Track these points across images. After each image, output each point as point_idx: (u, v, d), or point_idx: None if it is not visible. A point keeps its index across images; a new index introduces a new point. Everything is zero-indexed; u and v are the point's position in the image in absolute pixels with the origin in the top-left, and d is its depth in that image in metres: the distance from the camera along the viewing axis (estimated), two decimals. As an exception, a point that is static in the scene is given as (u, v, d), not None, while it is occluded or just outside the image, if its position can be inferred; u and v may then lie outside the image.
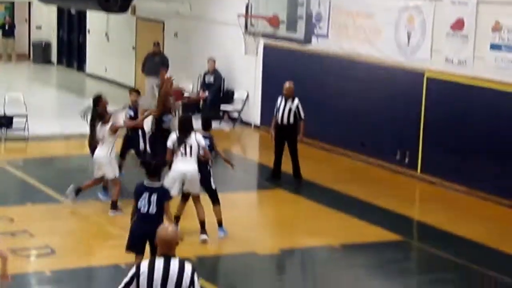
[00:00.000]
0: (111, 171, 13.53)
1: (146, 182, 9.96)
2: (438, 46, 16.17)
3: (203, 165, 12.20)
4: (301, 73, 18.98)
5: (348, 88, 18.09)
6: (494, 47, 15.06)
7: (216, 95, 21.63)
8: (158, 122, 14.89)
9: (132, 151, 15.45)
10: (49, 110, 22.55)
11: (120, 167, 14.94)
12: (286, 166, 15.99)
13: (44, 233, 12.51)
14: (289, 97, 15.74)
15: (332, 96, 18.49)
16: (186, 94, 15.82)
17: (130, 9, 23.79)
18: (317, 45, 18.96)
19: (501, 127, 14.90)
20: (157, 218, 9.66)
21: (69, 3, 26.68)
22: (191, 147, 11.99)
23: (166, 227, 6.63)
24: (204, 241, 12.24)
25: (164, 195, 9.93)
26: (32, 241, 12.25)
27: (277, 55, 20.19)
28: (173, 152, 12.05)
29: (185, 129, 12.06)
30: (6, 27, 30.84)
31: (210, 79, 21.70)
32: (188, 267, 6.54)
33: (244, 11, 19.30)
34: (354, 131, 17.97)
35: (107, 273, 11.18)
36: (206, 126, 12.97)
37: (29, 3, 31.69)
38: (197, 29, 23.12)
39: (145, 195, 9.82)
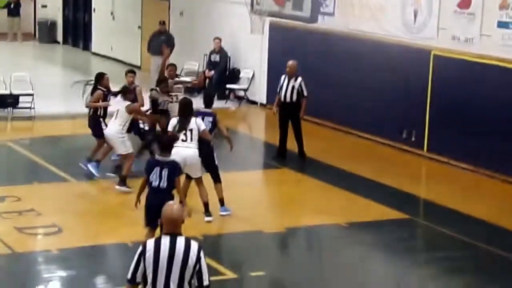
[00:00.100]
0: (122, 146, 13.50)
1: (158, 157, 10.21)
2: (445, 24, 16.10)
3: (205, 143, 12.20)
4: (307, 51, 18.93)
5: (354, 66, 18.04)
6: (501, 24, 14.99)
7: (221, 74, 21.60)
8: (154, 104, 14.78)
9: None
10: (55, 89, 22.52)
11: None
12: (292, 144, 15.99)
13: (51, 212, 12.54)
14: (292, 75, 15.73)
15: (338, 74, 18.44)
16: (187, 79, 15.75)
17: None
18: (323, 23, 18.90)
19: (508, 104, 14.85)
20: (168, 192, 9.98)
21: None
22: (191, 132, 11.98)
23: (171, 206, 6.63)
24: (208, 222, 12.25)
25: (175, 170, 10.16)
26: (39, 219, 12.29)
27: (283, 33, 20.14)
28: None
29: (186, 113, 12.05)
30: (12, 6, 30.77)
31: (216, 58, 21.66)
32: (194, 245, 6.55)
33: (250, -10, 19.23)
34: (360, 110, 17.94)
35: (114, 251, 11.22)
36: (209, 103, 12.94)
37: (35, -18, 31.64)
38: (203, 7, 23.05)
39: (157, 169, 10.07)
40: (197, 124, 12.06)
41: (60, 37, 30.94)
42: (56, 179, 14.23)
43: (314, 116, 18.33)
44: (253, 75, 21.22)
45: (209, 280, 6.59)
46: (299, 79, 15.72)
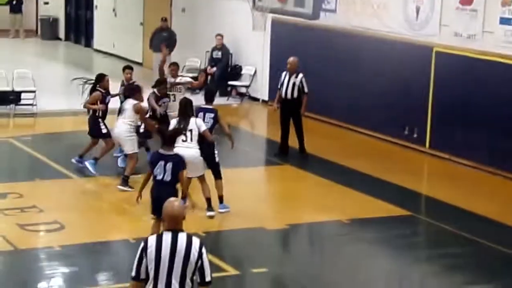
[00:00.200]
0: (130, 145, 13.51)
1: (161, 150, 10.33)
2: (447, 20, 16.09)
3: (205, 142, 12.19)
4: (309, 48, 18.92)
5: (356, 63, 18.03)
6: (503, 21, 14.98)
7: (223, 71, 21.60)
8: (152, 110, 14.73)
9: None
10: (57, 86, 22.53)
11: None
12: (294, 141, 15.98)
13: (53, 209, 12.55)
14: (293, 71, 15.73)
15: (340, 71, 18.43)
16: (188, 79, 15.69)
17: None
18: (325, 20, 18.89)
19: (510, 101, 14.83)
20: (172, 186, 10.19)
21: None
22: (191, 132, 11.99)
23: (172, 202, 6.63)
24: (211, 217, 12.27)
25: (178, 163, 10.30)
26: (41, 216, 12.29)
27: (285, 30, 20.12)
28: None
29: (186, 113, 12.06)
30: (14, 3, 30.78)
31: (217, 54, 21.66)
32: (196, 241, 6.55)
33: (252, -14, 19.23)
34: (362, 106, 17.93)
35: (116, 247, 11.22)
36: (210, 99, 12.93)
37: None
38: (205, 4, 23.04)
39: (161, 163, 10.23)
40: (197, 124, 12.06)
41: (62, 34, 30.95)
42: (58, 176, 14.24)
43: (316, 113, 18.33)
44: (255, 72, 21.22)
45: (211, 276, 6.59)
46: (300, 75, 15.72)
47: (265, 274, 10.60)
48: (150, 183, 10.53)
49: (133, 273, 6.54)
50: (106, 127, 14.13)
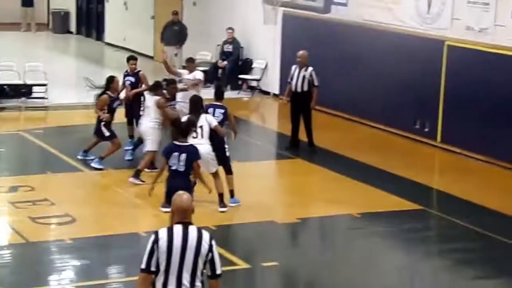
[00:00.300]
0: (150, 144, 13.58)
1: (176, 141, 10.64)
2: (459, 14, 16.02)
3: (216, 139, 12.20)
4: (320, 42, 18.88)
5: (368, 57, 17.99)
6: (515, 15, 14.91)
7: (234, 65, 21.59)
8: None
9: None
10: (69, 79, 22.57)
11: (132, 136, 15.09)
12: (305, 135, 15.95)
13: (64, 202, 12.57)
14: (303, 65, 15.71)
15: (351, 65, 18.39)
16: (190, 77, 15.60)
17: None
18: (336, 14, 18.85)
19: (522, 96, 14.79)
20: (186, 176, 10.57)
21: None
22: (202, 128, 12.00)
23: (181, 195, 6.63)
24: (222, 212, 12.27)
25: (192, 154, 10.62)
26: (52, 209, 12.32)
27: (296, 24, 20.09)
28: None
29: (196, 110, 12.08)
30: (25, -4, 30.86)
31: (228, 48, 21.65)
32: (206, 234, 6.56)
33: (263, -20, 19.20)
34: (374, 100, 17.89)
35: (126, 241, 11.24)
36: (220, 96, 12.93)
37: (48, -28, 31.68)
38: (216, -2, 23.04)
39: (175, 154, 10.58)
40: (207, 120, 12.08)
41: (73, 27, 30.97)
42: (70, 169, 14.27)
43: (327, 107, 18.31)
44: (266, 66, 21.19)
45: (221, 270, 6.59)
46: (310, 68, 15.69)
47: (276, 268, 10.60)
48: (164, 177, 10.62)
49: (143, 265, 6.51)
50: (108, 130, 14.16)
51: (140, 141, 14.51)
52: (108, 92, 14.25)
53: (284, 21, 20.40)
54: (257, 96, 21.17)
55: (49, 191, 13.01)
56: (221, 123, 12.44)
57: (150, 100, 13.73)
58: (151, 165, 13.55)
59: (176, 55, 22.11)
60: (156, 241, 6.49)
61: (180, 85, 14.89)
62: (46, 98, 19.11)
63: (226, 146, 12.49)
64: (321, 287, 10.33)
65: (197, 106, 12.19)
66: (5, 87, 19.03)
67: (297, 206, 13.16)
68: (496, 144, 15.28)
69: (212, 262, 6.54)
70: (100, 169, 14.03)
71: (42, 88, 19.22)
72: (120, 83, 14.95)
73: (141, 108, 15.07)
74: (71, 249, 10.89)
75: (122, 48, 26.78)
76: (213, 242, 6.56)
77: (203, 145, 11.89)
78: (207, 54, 22.61)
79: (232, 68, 21.48)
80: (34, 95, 19.24)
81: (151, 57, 25.34)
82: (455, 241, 11.80)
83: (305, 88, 15.68)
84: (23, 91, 19.18)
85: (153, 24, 25.63)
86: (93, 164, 14.11)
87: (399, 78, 17.24)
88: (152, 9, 25.94)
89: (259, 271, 10.58)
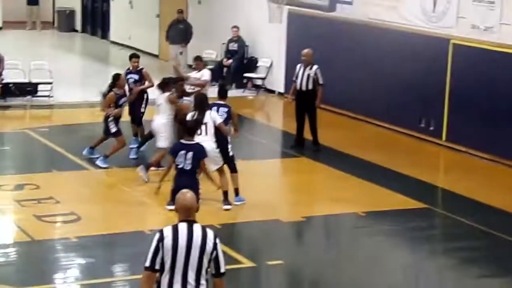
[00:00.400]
0: (162, 141, 13.61)
1: (183, 140, 10.71)
2: (464, 12, 16.00)
3: (220, 137, 12.21)
4: (325, 40, 18.87)
5: (373, 55, 17.98)
6: (521, 13, 14.89)
7: (239, 63, 21.59)
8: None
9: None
10: (74, 78, 22.60)
11: (136, 134, 15.11)
12: (310, 134, 15.94)
13: (70, 200, 12.59)
14: (307, 63, 15.71)
15: (356, 63, 18.38)
16: (198, 76, 15.57)
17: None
18: (341, 12, 18.83)
19: (528, 94, 14.77)
20: (192, 174, 10.64)
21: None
22: (206, 125, 12.01)
23: (185, 194, 6.63)
24: (227, 210, 12.27)
25: (199, 152, 10.69)
26: (58, 207, 12.34)
27: (301, 22, 20.08)
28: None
29: (202, 108, 12.09)
30: (31, -5, 30.90)
31: (233, 46, 21.66)
32: (210, 233, 6.57)
33: (268, -22, 19.19)
34: (379, 99, 17.88)
35: (132, 239, 11.25)
36: (223, 95, 12.93)
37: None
38: (221, -4, 23.04)
39: (182, 152, 10.65)
40: (212, 117, 12.09)
41: (78, 26, 31.01)
42: (75, 168, 14.28)
43: (332, 105, 18.31)
44: (271, 64, 21.19)
45: (225, 268, 6.61)
46: (315, 67, 15.69)
47: (281, 267, 10.60)
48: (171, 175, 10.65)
49: (148, 263, 6.51)
50: (116, 126, 14.17)
51: (145, 140, 14.52)
52: (114, 89, 14.27)
53: (289, 19, 20.39)
54: (262, 94, 21.17)
55: (54, 189, 13.03)
56: (225, 122, 12.44)
57: (161, 98, 13.77)
58: (158, 164, 13.56)
59: (181, 53, 22.13)
60: (161, 239, 6.49)
61: (187, 87, 14.85)
62: (52, 97, 19.14)
63: (229, 145, 12.49)
64: (326, 285, 10.34)
65: (202, 104, 12.19)
66: (10, 85, 19.06)
67: (302, 204, 13.16)
68: (501, 142, 15.26)
69: (216, 260, 6.56)
70: (105, 168, 14.06)
71: (47, 87, 19.24)
72: None
73: (142, 105, 15.13)
74: (76, 247, 10.91)
75: (127, 46, 26.81)
76: (218, 240, 6.57)
77: (208, 142, 11.90)
78: (212, 52, 22.62)
79: (237, 67, 21.48)
80: (39, 93, 19.27)
81: (156, 56, 25.37)
82: (460, 239, 11.79)
83: (310, 87, 15.68)
84: (28, 89, 19.21)
85: (158, 23, 25.66)
86: (98, 163, 14.13)
87: (404, 77, 17.23)
88: (157, 7, 25.96)
89: (264, 269, 10.58)
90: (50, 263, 10.50)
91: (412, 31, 17.05)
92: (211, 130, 12.05)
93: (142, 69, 15.39)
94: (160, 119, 13.71)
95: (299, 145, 15.99)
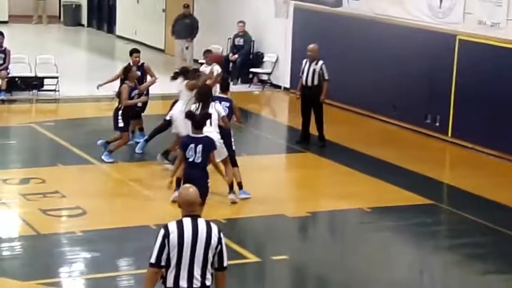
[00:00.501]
0: (184, 127, 13.51)
1: (192, 133, 10.68)
2: (471, 8, 15.97)
3: (222, 131, 12.21)
4: (332, 36, 18.85)
5: (379, 51, 17.95)
6: (528, 9, 14.86)
7: (245, 58, 21.58)
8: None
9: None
10: (80, 72, 22.62)
11: (141, 128, 15.11)
12: (316, 129, 15.93)
13: (75, 194, 12.60)
14: (313, 58, 15.69)
15: (362, 59, 18.36)
16: (207, 70, 15.53)
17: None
18: (348, 7, 18.81)
19: (534, 90, 14.74)
20: (202, 167, 10.58)
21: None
22: (210, 117, 11.99)
23: (187, 188, 6.63)
24: (232, 201, 12.29)
25: (208, 144, 10.67)
26: (63, 201, 12.35)
27: (308, 18, 20.06)
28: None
29: (206, 100, 12.08)
30: (37, -11, 30.91)
31: (239, 41, 21.65)
32: (214, 227, 6.58)
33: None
34: (385, 95, 17.86)
35: (137, 233, 11.26)
36: (225, 88, 12.91)
37: (60, -35, 31.71)
38: (227, -9, 23.02)
39: (192, 146, 10.60)
40: (216, 109, 12.08)
41: (84, 20, 31.01)
42: (81, 162, 14.29)
43: (338, 101, 18.29)
44: (277, 59, 21.18)
45: (227, 262, 6.62)
46: (320, 62, 15.67)
47: (286, 262, 10.60)
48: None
49: (153, 260, 6.48)
50: (124, 121, 14.13)
51: (151, 136, 14.50)
52: (127, 82, 14.22)
53: (295, 14, 20.37)
54: (268, 89, 21.16)
55: (60, 184, 13.04)
56: (227, 117, 12.43)
57: (179, 86, 13.68)
58: (167, 159, 13.53)
59: (187, 48, 22.13)
60: (167, 235, 6.48)
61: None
62: (58, 91, 19.15)
63: (232, 139, 12.49)
64: (331, 281, 10.34)
65: (207, 97, 12.16)
66: (16, 79, 19.09)
67: (307, 200, 13.16)
68: (507, 138, 15.24)
69: (220, 254, 6.57)
70: (110, 162, 14.06)
71: (53, 81, 19.26)
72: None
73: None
74: (82, 241, 10.92)
75: (133, 41, 26.81)
76: (222, 235, 6.58)
77: (212, 133, 11.89)
78: (218, 47, 22.59)
79: (243, 62, 21.47)
80: (45, 87, 19.29)
81: (162, 50, 25.36)
82: (466, 235, 11.78)
83: (316, 82, 15.67)
84: (34, 83, 19.23)
85: (164, 17, 25.65)
86: (103, 157, 14.14)
87: (410, 73, 17.20)
88: (163, 2, 25.95)
89: (269, 264, 10.58)
90: (55, 257, 10.52)
91: (419, 26, 17.02)
92: (215, 121, 12.04)
93: (143, 63, 15.39)
94: (181, 106, 13.62)
95: (305, 140, 15.98)
